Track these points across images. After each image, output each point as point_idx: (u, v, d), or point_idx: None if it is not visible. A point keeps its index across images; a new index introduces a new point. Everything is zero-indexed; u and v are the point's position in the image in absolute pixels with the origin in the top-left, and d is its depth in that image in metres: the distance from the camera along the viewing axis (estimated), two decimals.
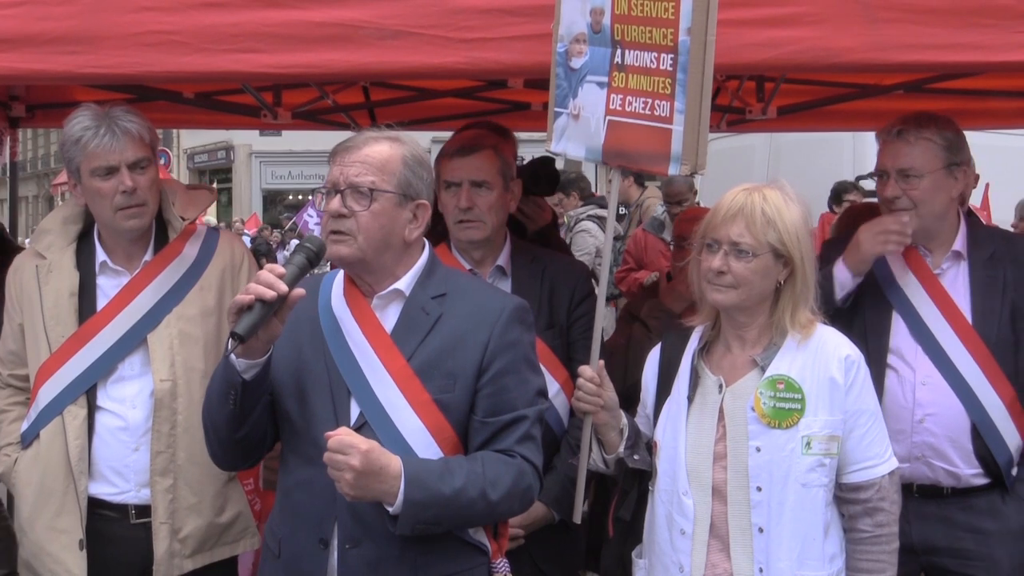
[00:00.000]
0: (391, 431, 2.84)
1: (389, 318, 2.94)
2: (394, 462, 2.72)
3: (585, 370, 3.28)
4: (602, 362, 3.30)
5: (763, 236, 3.05)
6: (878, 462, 3.13)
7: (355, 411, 2.88)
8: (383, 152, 2.90)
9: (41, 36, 3.33)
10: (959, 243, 3.70)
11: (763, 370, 3.10)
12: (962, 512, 3.64)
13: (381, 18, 3.28)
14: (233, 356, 2.79)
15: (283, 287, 2.73)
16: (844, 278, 3.61)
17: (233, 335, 2.69)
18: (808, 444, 3.04)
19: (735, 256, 3.07)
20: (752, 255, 3.06)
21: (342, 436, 2.69)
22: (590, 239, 9.61)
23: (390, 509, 2.73)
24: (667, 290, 4.49)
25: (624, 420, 3.30)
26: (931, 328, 3.61)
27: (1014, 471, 3.64)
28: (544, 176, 4.64)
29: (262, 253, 16.31)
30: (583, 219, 9.99)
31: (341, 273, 3.02)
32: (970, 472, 3.62)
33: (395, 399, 2.86)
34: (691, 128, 3.02)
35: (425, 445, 2.85)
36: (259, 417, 2.92)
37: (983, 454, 3.60)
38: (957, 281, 3.68)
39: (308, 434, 2.86)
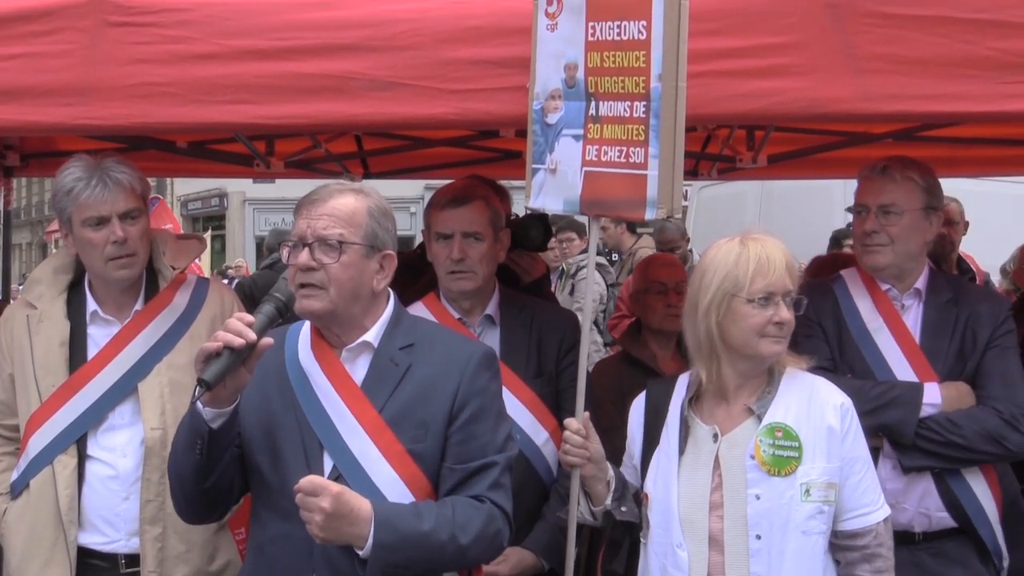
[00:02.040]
0: (365, 483, 2.83)
1: (359, 370, 2.95)
2: (364, 505, 2.72)
3: (571, 423, 3.26)
4: (587, 414, 3.29)
5: (794, 284, 3.14)
6: (873, 508, 3.13)
7: (328, 464, 2.88)
8: (349, 204, 2.91)
9: (36, 88, 3.37)
10: (920, 282, 3.76)
11: (759, 418, 3.11)
12: (932, 558, 3.65)
13: (372, 69, 3.31)
14: (200, 404, 2.79)
15: (252, 335, 2.74)
16: None
17: (200, 382, 2.70)
18: (807, 491, 3.05)
19: (787, 306, 3.11)
20: (794, 304, 3.14)
21: (314, 478, 2.70)
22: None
23: (360, 552, 2.73)
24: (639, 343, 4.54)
25: (611, 472, 3.29)
26: (895, 372, 3.64)
27: (993, 526, 3.64)
28: (538, 231, 4.67)
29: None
30: (584, 266, 9.93)
31: (307, 325, 3.01)
32: (940, 515, 3.63)
33: (368, 451, 2.86)
34: (666, 172, 3.04)
35: (400, 495, 2.85)
36: (226, 468, 2.91)
37: (951, 498, 3.61)
38: (916, 322, 3.73)
39: (282, 488, 2.83)
